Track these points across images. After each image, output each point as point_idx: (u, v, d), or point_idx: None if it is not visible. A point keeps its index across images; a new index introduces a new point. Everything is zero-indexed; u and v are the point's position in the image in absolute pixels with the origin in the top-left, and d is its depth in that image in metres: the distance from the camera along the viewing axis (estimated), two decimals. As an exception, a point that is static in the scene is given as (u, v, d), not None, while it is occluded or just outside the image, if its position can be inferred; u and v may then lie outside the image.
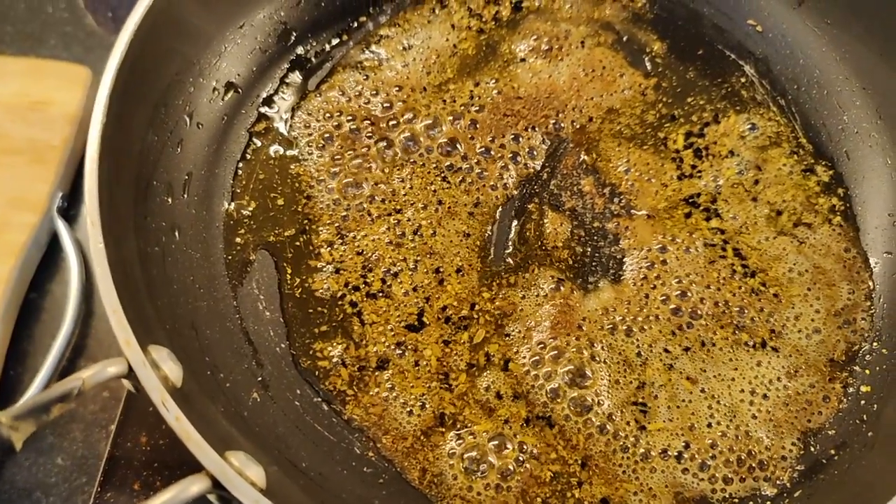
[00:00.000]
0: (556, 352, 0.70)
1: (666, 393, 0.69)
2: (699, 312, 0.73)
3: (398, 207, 0.77)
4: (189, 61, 0.77)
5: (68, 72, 0.86)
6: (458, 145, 0.80)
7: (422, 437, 0.67)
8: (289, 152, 0.80)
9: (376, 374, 0.70)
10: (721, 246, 0.76)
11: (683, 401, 0.69)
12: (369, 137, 0.80)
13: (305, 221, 0.77)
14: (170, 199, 0.73)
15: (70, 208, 0.83)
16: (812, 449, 0.68)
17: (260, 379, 0.70)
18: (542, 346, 0.71)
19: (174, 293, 0.69)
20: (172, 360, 0.59)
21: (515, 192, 0.79)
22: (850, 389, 0.70)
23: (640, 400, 0.69)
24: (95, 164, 0.61)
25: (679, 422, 0.68)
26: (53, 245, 0.81)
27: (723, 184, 0.79)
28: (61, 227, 0.80)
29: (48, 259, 0.81)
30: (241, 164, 0.79)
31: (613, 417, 0.68)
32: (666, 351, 0.71)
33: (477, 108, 0.82)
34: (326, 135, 0.80)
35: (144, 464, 0.70)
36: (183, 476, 0.52)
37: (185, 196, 0.75)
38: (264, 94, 0.83)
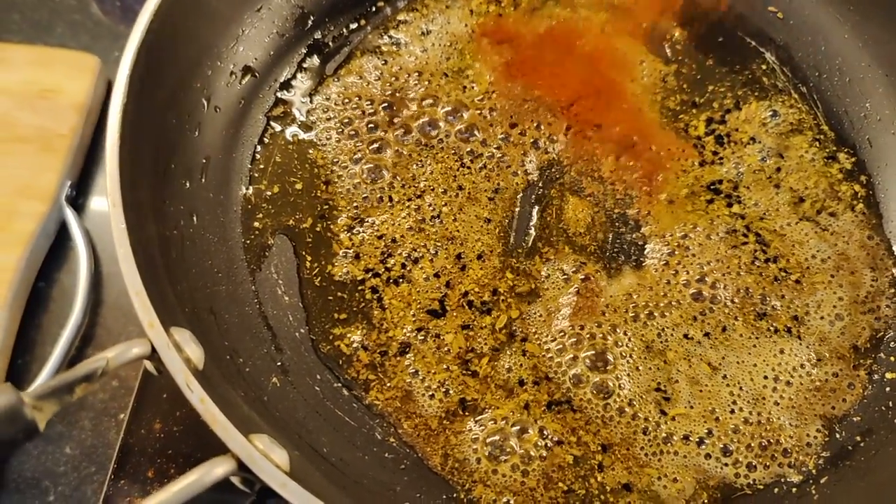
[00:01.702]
0: (577, 337, 0.70)
1: (687, 379, 0.69)
2: (721, 299, 0.72)
3: (418, 193, 0.76)
4: (207, 45, 0.76)
5: (76, 60, 0.86)
6: (477, 131, 0.79)
7: (444, 422, 0.67)
8: (307, 137, 0.79)
9: (397, 359, 0.69)
10: (743, 232, 0.75)
11: (706, 386, 0.68)
12: (388, 122, 0.80)
13: (324, 206, 0.76)
14: (188, 183, 0.73)
15: (79, 197, 0.83)
16: (837, 436, 0.67)
17: (279, 364, 0.69)
18: (563, 330, 0.70)
19: (193, 277, 0.69)
20: (195, 342, 0.58)
21: (536, 178, 0.78)
22: (875, 376, 0.70)
23: (662, 386, 0.68)
24: (116, 145, 0.60)
25: (701, 407, 0.67)
26: (62, 234, 0.80)
27: (744, 170, 0.78)
28: (70, 215, 0.79)
29: (56, 248, 0.80)
30: (258, 149, 0.79)
31: (634, 403, 0.67)
32: (687, 337, 0.70)
33: (496, 94, 0.81)
34: (345, 120, 0.80)
35: (159, 451, 0.69)
36: (199, 463, 0.51)
37: (203, 180, 0.74)
38: (282, 79, 0.82)
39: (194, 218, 0.72)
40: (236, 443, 0.51)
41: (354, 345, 0.70)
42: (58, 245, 0.80)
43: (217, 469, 0.51)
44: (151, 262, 0.62)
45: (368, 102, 0.81)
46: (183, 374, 0.53)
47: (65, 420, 0.73)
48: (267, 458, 0.52)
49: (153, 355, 0.55)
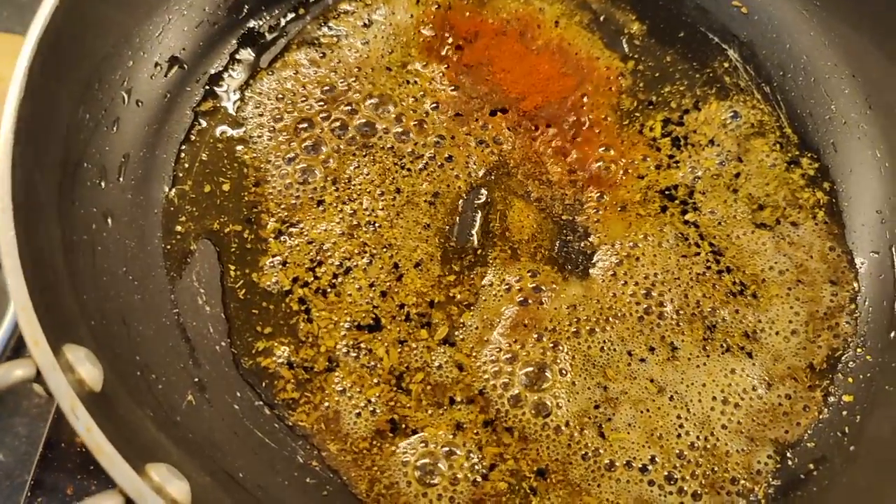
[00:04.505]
0: (516, 352, 0.66)
1: (631, 399, 0.65)
2: (668, 313, 0.68)
3: (353, 196, 0.72)
4: (127, 32, 0.71)
5: (16, 45, 0.80)
6: (419, 130, 0.75)
7: (371, 445, 0.63)
8: (236, 134, 0.75)
9: (324, 376, 0.65)
10: (696, 241, 0.71)
11: (648, 409, 0.64)
12: (324, 120, 0.75)
13: (253, 209, 0.71)
14: (103, 183, 0.68)
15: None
16: (789, 463, 0.63)
17: (196, 380, 0.65)
18: (502, 345, 0.66)
19: (103, 285, 0.64)
20: (91, 361, 0.54)
21: (480, 180, 0.74)
22: (831, 399, 0.66)
23: (603, 405, 0.64)
24: (10, 144, 0.56)
25: (644, 430, 0.63)
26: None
27: (702, 175, 0.74)
28: (5, 210, 0.74)
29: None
30: (184, 147, 0.74)
31: (573, 424, 0.63)
32: (631, 353, 0.66)
33: (441, 90, 0.77)
34: (278, 116, 0.75)
35: (79, 466, 0.66)
36: None
37: (121, 180, 0.70)
38: (212, 71, 0.77)
39: (109, 221, 0.67)
40: (123, 477, 0.48)
41: (279, 360, 0.65)
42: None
43: (101, 506, 0.47)
44: (51, 270, 0.58)
45: (303, 98, 0.75)
46: (69, 399, 0.49)
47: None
48: (160, 492, 0.49)
49: (39, 378, 0.50)
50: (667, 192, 0.73)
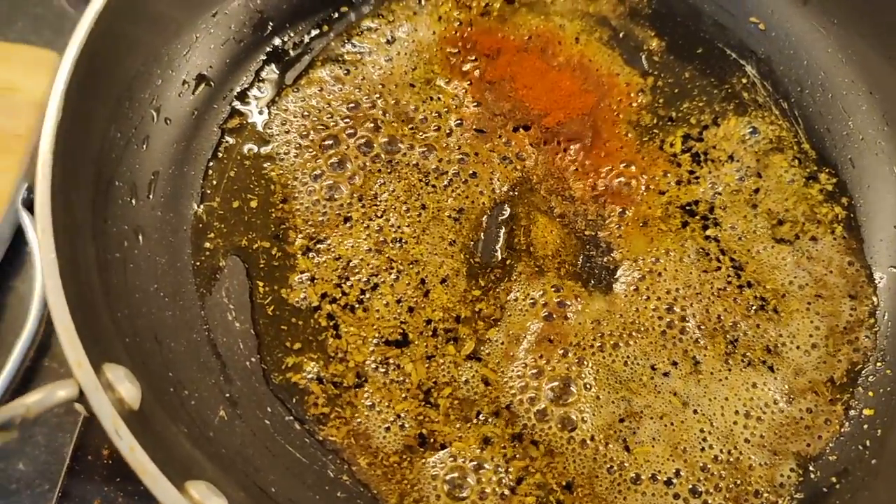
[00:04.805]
0: (542, 366, 0.67)
1: (655, 413, 0.65)
2: (691, 328, 0.69)
3: (379, 212, 0.73)
4: (156, 52, 0.72)
5: (36, 56, 0.81)
6: (443, 146, 0.76)
7: (401, 459, 0.64)
8: (263, 151, 0.75)
9: (354, 391, 0.66)
10: (717, 257, 0.72)
11: (672, 423, 0.65)
12: (349, 137, 0.76)
13: (280, 226, 0.72)
14: (133, 201, 0.69)
15: (36, 200, 0.78)
16: (812, 476, 0.64)
17: (228, 395, 0.65)
18: (527, 360, 0.67)
19: (136, 303, 0.65)
20: (130, 380, 0.54)
21: (504, 196, 0.75)
22: (852, 412, 0.67)
23: (628, 419, 0.65)
24: (49, 165, 0.56)
25: (668, 443, 0.64)
26: (17, 239, 0.76)
27: (722, 191, 0.75)
28: (26, 220, 0.75)
29: (11, 254, 0.76)
30: (211, 163, 0.75)
31: (598, 438, 0.64)
32: (653, 368, 0.67)
33: (464, 106, 0.78)
34: (304, 133, 0.76)
35: (106, 479, 0.66)
36: (147, 492, 0.48)
37: (151, 197, 0.71)
38: (238, 89, 0.78)
39: (140, 238, 0.68)
40: (167, 496, 0.48)
41: (308, 376, 0.66)
42: (13, 251, 0.76)
43: (146, 523, 0.48)
44: (88, 288, 0.59)
45: (329, 115, 0.76)
46: (111, 418, 0.50)
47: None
48: (202, 510, 0.49)
49: (81, 398, 0.51)
50: (687, 208, 0.74)
